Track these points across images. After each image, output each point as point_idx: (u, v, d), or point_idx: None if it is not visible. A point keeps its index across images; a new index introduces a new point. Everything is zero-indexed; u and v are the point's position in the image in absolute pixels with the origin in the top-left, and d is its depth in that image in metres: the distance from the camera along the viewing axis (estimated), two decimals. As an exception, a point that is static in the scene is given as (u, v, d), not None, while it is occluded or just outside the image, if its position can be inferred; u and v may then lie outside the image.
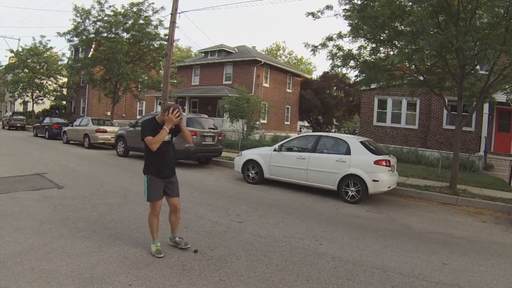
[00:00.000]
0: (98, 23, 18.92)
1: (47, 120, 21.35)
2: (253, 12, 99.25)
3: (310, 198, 7.60)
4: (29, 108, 31.96)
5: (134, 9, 18.92)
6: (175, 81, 24.38)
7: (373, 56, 9.64)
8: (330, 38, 9.55)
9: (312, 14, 9.42)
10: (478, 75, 9.45)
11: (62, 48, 71.35)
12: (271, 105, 23.96)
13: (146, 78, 20.97)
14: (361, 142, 7.76)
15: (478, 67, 9.48)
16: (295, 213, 6.13)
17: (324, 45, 9.61)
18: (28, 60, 26.58)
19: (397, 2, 7.92)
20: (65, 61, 27.34)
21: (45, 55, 27.41)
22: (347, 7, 9.18)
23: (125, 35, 19.50)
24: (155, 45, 20.11)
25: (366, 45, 9.55)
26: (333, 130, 33.37)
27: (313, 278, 3.46)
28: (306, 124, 39.09)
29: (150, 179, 3.73)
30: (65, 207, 5.44)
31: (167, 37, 17.22)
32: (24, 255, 3.51)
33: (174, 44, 17.29)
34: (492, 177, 11.59)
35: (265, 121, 25.40)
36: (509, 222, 6.68)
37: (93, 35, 19.33)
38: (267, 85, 26.30)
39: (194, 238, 4.27)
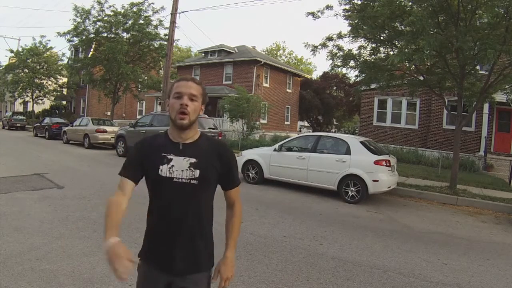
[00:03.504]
0: (98, 23, 18.95)
1: (47, 120, 21.35)
2: (253, 12, 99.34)
3: (310, 198, 7.60)
4: (29, 108, 31.98)
5: (134, 9, 18.95)
6: (175, 81, 24.38)
7: (373, 56, 9.65)
8: (330, 38, 9.56)
9: (312, 14, 9.43)
10: (478, 75, 9.45)
11: (62, 48, 71.40)
12: (271, 105, 23.97)
13: (146, 78, 21.01)
14: (361, 142, 7.77)
15: (478, 67, 9.48)
16: (295, 213, 6.13)
17: (324, 45, 9.61)
18: (28, 60, 26.61)
19: (397, 2, 7.92)
20: (65, 61, 27.38)
21: (45, 55, 27.45)
22: (347, 7, 9.19)
23: (125, 35, 19.53)
24: (155, 45, 20.14)
25: (366, 45, 9.56)
26: (333, 130, 33.36)
27: (313, 278, 3.46)
28: (306, 124, 39.08)
29: (139, 267, 1.65)
30: (65, 207, 5.43)
31: (167, 37, 17.24)
32: (24, 255, 3.51)
33: (174, 44, 17.31)
34: (492, 177, 11.59)
35: (265, 121, 25.40)
36: (509, 222, 6.68)
37: (93, 35, 19.35)
38: (267, 85, 26.30)
39: (194, 238, 4.27)
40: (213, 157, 1.61)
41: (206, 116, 12.48)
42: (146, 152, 1.57)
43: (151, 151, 1.56)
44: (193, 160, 1.54)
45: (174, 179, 1.52)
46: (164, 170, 1.52)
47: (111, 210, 1.48)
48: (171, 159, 1.53)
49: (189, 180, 1.53)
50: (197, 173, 1.54)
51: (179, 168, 1.53)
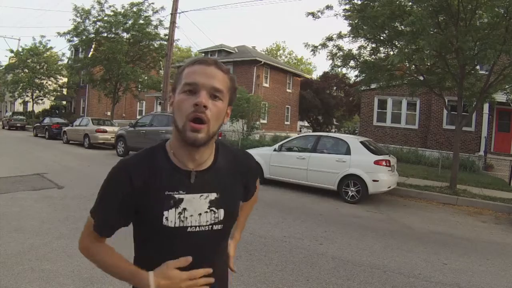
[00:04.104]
0: (98, 23, 18.97)
1: (47, 120, 21.35)
2: (253, 12, 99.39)
3: (310, 198, 7.60)
4: (29, 108, 31.97)
5: (134, 9, 18.96)
6: (175, 81, 24.39)
7: (373, 56, 9.66)
8: (330, 38, 9.56)
9: (312, 14, 9.44)
10: (478, 75, 9.45)
11: (62, 48, 71.45)
12: (271, 105, 23.96)
13: (146, 78, 21.00)
14: (361, 142, 7.77)
15: (478, 67, 9.48)
16: (295, 213, 6.14)
17: (324, 45, 9.62)
18: (28, 60, 26.61)
19: (397, 2, 7.94)
20: (65, 61, 27.35)
21: (45, 55, 27.44)
22: (347, 7, 9.20)
23: (125, 35, 19.54)
24: (155, 45, 20.16)
25: (366, 45, 9.58)
26: (333, 130, 33.34)
27: (313, 278, 3.46)
28: (306, 124, 39.06)
29: None
30: (65, 207, 5.44)
31: (167, 37, 17.25)
32: (24, 255, 3.51)
33: (174, 44, 17.34)
34: (492, 177, 11.59)
35: (265, 121, 25.40)
36: (509, 222, 6.68)
37: (93, 35, 19.37)
38: (267, 85, 26.29)
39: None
40: (237, 181, 1.09)
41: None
42: (139, 189, 0.96)
43: (146, 186, 0.97)
44: (213, 196, 1.01)
45: (189, 229, 0.98)
46: (171, 217, 0.96)
47: (107, 255, 1.09)
48: (181, 200, 0.97)
49: (210, 226, 1.01)
50: (221, 214, 1.02)
51: (194, 212, 0.99)
